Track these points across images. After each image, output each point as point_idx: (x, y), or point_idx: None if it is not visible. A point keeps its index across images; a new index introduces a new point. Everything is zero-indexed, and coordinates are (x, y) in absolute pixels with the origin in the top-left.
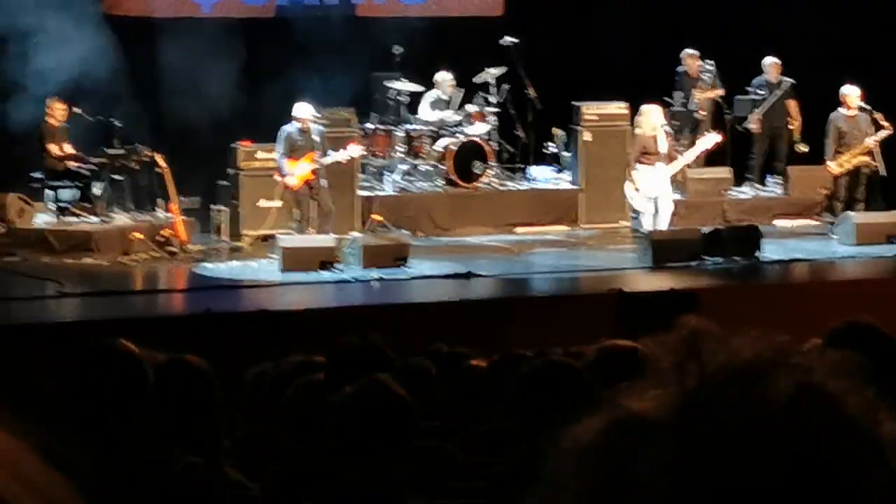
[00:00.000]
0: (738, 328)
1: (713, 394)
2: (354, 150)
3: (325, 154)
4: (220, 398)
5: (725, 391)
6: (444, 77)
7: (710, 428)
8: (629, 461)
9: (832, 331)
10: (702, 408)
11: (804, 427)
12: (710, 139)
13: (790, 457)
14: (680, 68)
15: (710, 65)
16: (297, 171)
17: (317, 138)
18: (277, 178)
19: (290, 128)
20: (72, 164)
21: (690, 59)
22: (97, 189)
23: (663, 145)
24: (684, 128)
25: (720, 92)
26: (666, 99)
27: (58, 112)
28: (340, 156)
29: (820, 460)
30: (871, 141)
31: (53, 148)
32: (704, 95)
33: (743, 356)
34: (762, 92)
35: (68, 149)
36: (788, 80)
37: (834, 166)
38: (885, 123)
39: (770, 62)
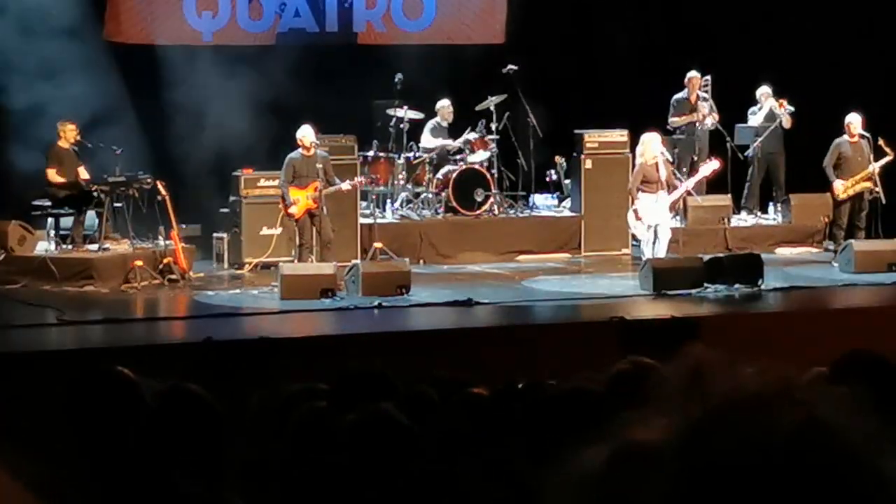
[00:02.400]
0: (740, 357)
1: (717, 425)
2: (358, 180)
3: (329, 182)
4: (221, 426)
5: (729, 423)
6: (443, 104)
7: (713, 459)
8: (632, 490)
9: (837, 361)
10: (705, 438)
11: (807, 461)
12: (709, 167)
13: (792, 491)
14: (681, 95)
15: (705, 91)
16: (300, 200)
17: (320, 165)
18: (282, 206)
19: (294, 154)
20: (64, 193)
21: (696, 82)
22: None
23: (664, 173)
24: (685, 155)
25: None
26: (669, 127)
27: (69, 133)
28: (344, 185)
29: (822, 495)
30: (875, 166)
31: (52, 173)
32: (712, 120)
33: (748, 388)
34: (760, 119)
35: (83, 173)
36: (789, 108)
37: (840, 186)
38: (888, 149)
39: (762, 91)
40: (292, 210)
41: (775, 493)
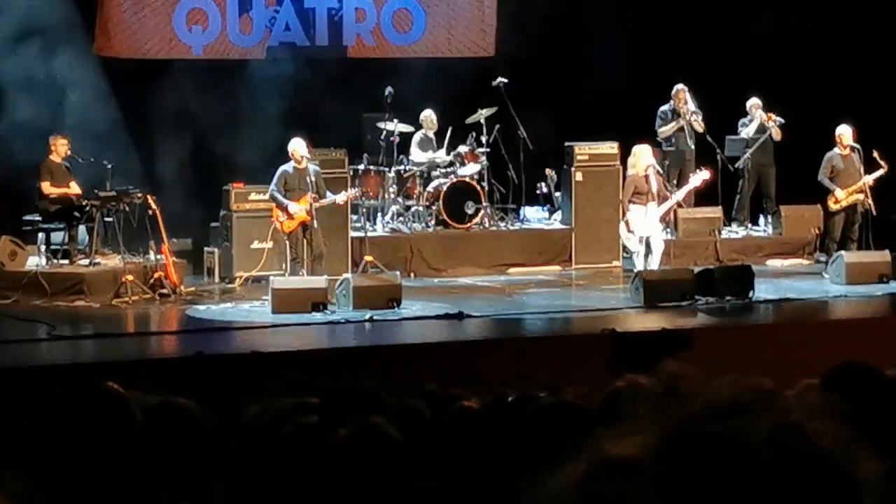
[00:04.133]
0: (725, 369)
1: (692, 435)
2: (353, 192)
3: (321, 196)
4: (211, 440)
5: (704, 433)
6: (426, 115)
7: (689, 469)
8: (610, 503)
9: (827, 372)
10: (681, 450)
11: (780, 467)
12: (699, 177)
13: (767, 496)
14: (667, 107)
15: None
16: (293, 213)
17: (312, 178)
18: (274, 218)
19: (286, 167)
20: (55, 208)
21: (682, 95)
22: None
23: (654, 185)
24: (675, 167)
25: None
26: (659, 139)
27: (61, 148)
28: (339, 197)
29: (797, 501)
30: (868, 178)
31: (46, 186)
32: (699, 130)
33: (722, 398)
34: (751, 132)
35: (74, 187)
36: (779, 119)
37: (830, 202)
38: (882, 161)
39: (752, 103)
40: (291, 210)
41: (751, 499)
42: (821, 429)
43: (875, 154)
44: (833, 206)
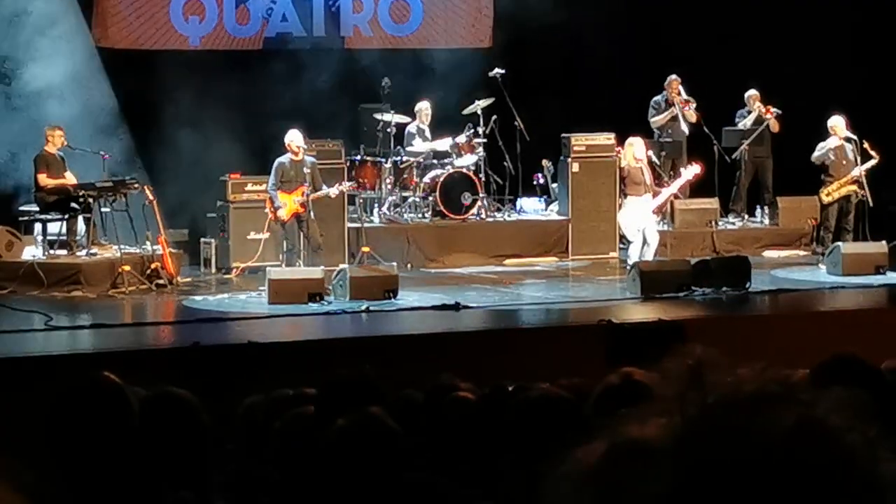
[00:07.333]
0: (731, 359)
1: (715, 423)
2: (345, 185)
3: (316, 188)
4: (208, 431)
5: (727, 421)
6: (421, 106)
7: (709, 457)
8: (629, 486)
9: (818, 365)
10: (703, 436)
11: (802, 461)
12: (689, 171)
13: (788, 490)
14: (660, 97)
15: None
16: (288, 204)
17: (307, 170)
18: (269, 210)
19: (282, 158)
20: (52, 198)
21: (675, 85)
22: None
23: (648, 176)
24: (671, 158)
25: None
26: (653, 128)
27: (57, 139)
28: (332, 191)
29: (817, 495)
30: (860, 170)
31: (42, 177)
32: (692, 120)
33: (746, 388)
34: (749, 123)
35: (70, 177)
36: (776, 111)
37: (823, 195)
38: (873, 153)
39: (750, 94)
40: (280, 213)
41: (771, 492)
42: (844, 425)
43: (866, 145)
44: (825, 199)
